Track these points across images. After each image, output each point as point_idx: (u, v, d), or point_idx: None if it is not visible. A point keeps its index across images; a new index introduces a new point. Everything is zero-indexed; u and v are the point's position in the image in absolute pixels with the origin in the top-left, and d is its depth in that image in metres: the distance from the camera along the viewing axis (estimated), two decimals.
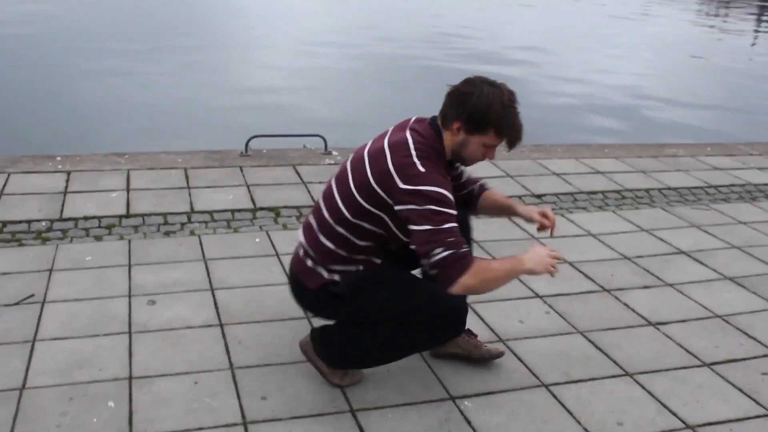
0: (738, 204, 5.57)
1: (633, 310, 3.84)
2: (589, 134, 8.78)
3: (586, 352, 3.42)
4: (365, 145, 2.85)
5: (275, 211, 4.84)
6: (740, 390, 3.23)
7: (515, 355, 3.38)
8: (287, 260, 4.19)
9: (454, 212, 2.57)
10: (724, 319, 3.82)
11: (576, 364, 3.32)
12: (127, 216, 4.64)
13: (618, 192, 5.61)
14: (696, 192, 5.75)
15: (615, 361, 3.37)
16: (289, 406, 2.95)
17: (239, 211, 4.82)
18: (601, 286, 4.07)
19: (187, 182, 5.21)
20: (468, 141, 2.67)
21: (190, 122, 8.54)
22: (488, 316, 3.66)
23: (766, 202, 5.66)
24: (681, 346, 3.53)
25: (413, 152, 2.59)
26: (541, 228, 2.98)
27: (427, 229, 2.53)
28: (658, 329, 3.67)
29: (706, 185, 5.91)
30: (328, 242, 2.82)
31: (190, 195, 5.01)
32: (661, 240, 4.77)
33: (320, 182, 5.36)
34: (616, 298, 3.96)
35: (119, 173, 5.29)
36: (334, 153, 5.90)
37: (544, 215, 2.97)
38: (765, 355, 3.52)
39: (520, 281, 3.98)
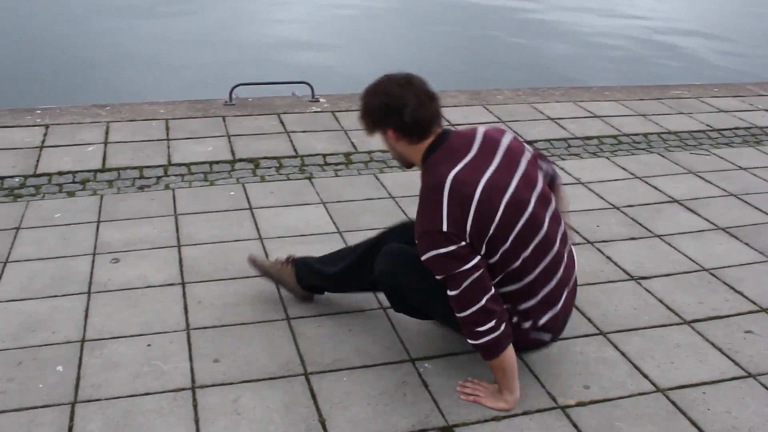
0: (741, 148, 5.32)
1: (615, 264, 3.67)
2: (602, 75, 8.43)
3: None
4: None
5: (254, 162, 4.69)
6: (719, 350, 3.06)
7: None
8: (260, 214, 4.07)
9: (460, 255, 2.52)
10: (711, 273, 3.63)
11: None
12: (103, 170, 4.52)
13: (615, 137, 5.39)
14: (697, 136, 5.51)
15: (589, 319, 3.21)
16: (241, 369, 2.83)
17: (217, 163, 4.68)
18: (585, 239, 3.89)
19: (167, 134, 5.07)
20: (395, 143, 2.59)
21: (176, 72, 8.33)
22: None
23: None
24: (662, 303, 3.36)
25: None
26: None
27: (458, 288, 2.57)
28: (640, 284, 3.49)
29: (709, 128, 5.66)
30: None
31: (168, 147, 4.87)
32: (654, 188, 4.56)
33: (304, 131, 5.19)
34: (599, 250, 3.78)
35: (99, 126, 5.15)
36: (322, 100, 5.71)
37: None
38: (751, 312, 3.33)
39: None
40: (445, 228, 2.37)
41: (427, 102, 2.44)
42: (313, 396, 2.71)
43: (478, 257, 2.43)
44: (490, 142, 2.55)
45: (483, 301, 2.43)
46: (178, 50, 9.18)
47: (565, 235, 2.69)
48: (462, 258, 2.40)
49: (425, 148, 2.51)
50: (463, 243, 2.40)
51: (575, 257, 2.81)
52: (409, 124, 2.43)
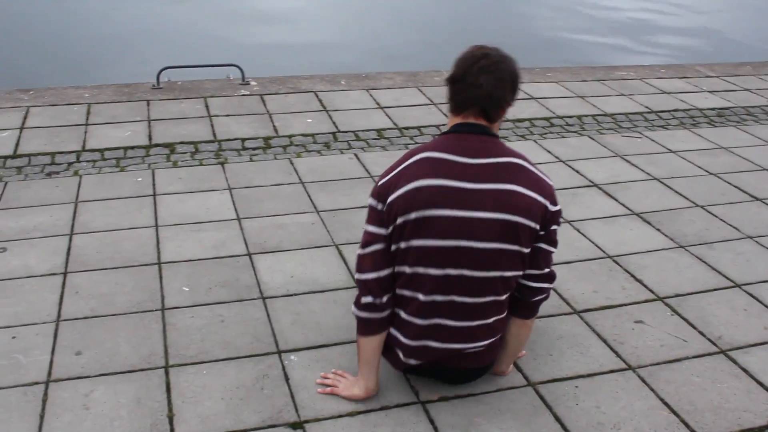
0: (676, 131, 5.19)
1: None
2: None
3: None
4: None
5: (170, 147, 4.57)
6: (604, 341, 2.94)
7: None
8: (162, 201, 3.95)
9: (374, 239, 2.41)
10: (614, 260, 3.51)
11: None
12: (14, 156, 4.39)
13: (547, 119, 5.25)
14: (634, 118, 5.37)
15: None
16: (101, 362, 2.72)
17: (132, 148, 4.55)
18: None
19: (87, 119, 4.94)
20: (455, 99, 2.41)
21: (104, 55, 8.09)
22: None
23: (708, 129, 5.27)
24: (556, 292, 3.24)
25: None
26: None
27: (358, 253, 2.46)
28: None
29: (647, 110, 5.52)
30: None
31: (85, 132, 4.74)
32: (576, 172, 4.42)
33: (228, 115, 5.06)
34: None
35: (18, 111, 5.02)
36: (252, 83, 5.58)
37: None
38: (646, 301, 3.21)
39: None
40: (380, 182, 2.37)
41: (480, 84, 2.28)
42: (168, 390, 2.60)
43: (384, 232, 2.34)
44: (487, 168, 2.33)
45: (369, 276, 2.38)
46: (113, 30, 8.93)
47: (492, 303, 2.44)
48: (372, 219, 2.38)
49: (449, 125, 2.40)
50: (380, 207, 2.34)
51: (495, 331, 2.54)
52: (450, 92, 2.36)
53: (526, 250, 2.34)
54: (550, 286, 2.49)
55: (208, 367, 2.72)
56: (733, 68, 6.78)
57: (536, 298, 2.45)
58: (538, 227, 2.31)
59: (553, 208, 2.35)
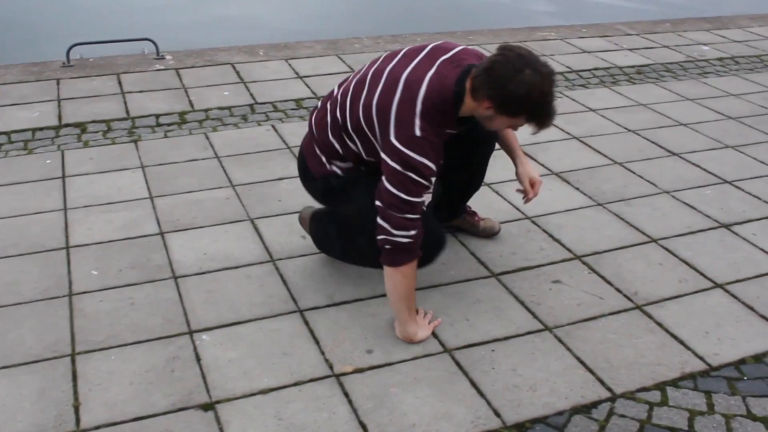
0: (596, 89, 5.19)
1: None
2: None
3: (360, 272, 3.07)
4: (390, 58, 2.62)
5: (81, 127, 4.41)
6: (522, 302, 2.92)
7: (281, 276, 3.04)
8: (71, 183, 3.81)
9: (430, 185, 2.47)
10: (533, 221, 3.50)
11: (344, 286, 2.98)
12: None
13: None
14: None
15: None
16: (4, 354, 2.62)
17: (41, 129, 4.38)
18: None
19: None
20: (494, 117, 2.41)
21: (11, 34, 7.76)
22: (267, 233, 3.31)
23: (627, 86, 5.29)
24: (474, 255, 3.21)
25: (418, 109, 2.40)
26: (523, 194, 2.97)
27: (399, 196, 2.42)
28: (455, 236, 3.33)
29: (567, 70, 5.52)
30: (334, 140, 2.71)
31: None
32: None
33: (141, 91, 4.90)
34: None
35: None
36: (168, 57, 5.42)
37: (532, 184, 2.94)
38: (563, 260, 3.21)
39: None
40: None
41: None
42: (75, 378, 2.51)
43: None
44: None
45: (418, 221, 2.55)
46: (15, 7, 8.56)
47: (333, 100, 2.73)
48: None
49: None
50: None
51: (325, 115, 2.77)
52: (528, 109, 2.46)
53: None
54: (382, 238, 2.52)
55: (117, 352, 2.63)
56: (653, 26, 6.82)
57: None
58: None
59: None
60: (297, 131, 4.34)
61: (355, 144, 2.64)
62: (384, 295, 2.79)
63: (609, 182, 3.88)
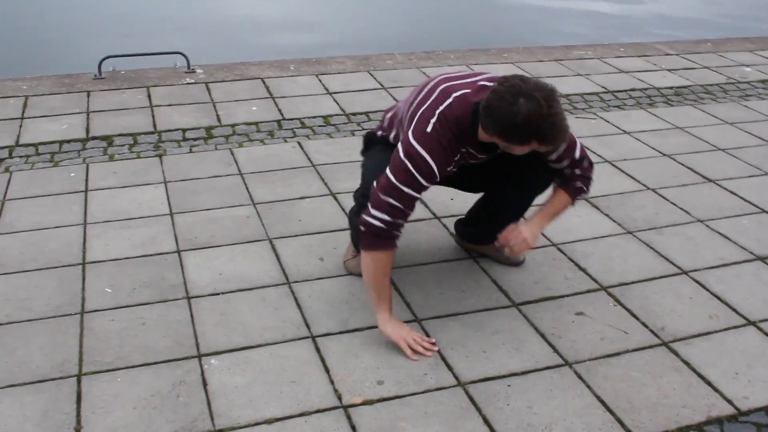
0: (632, 111, 5.06)
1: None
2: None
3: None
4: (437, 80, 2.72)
5: (108, 140, 4.40)
6: (542, 335, 2.81)
7: (296, 300, 2.97)
8: (93, 197, 3.78)
9: (426, 184, 2.54)
10: (559, 248, 3.40)
11: (359, 311, 2.90)
12: None
13: None
14: (589, 99, 5.24)
15: (408, 305, 2.95)
16: (11, 372, 2.58)
17: (69, 141, 4.38)
18: (433, 213, 3.62)
19: (23, 112, 4.76)
20: (511, 147, 2.46)
21: (44, 45, 7.74)
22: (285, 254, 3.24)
23: (664, 108, 5.15)
24: (495, 284, 3.12)
25: (438, 111, 2.53)
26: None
27: (390, 179, 2.52)
28: (477, 262, 3.24)
29: (603, 90, 5.40)
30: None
31: (20, 126, 4.56)
32: None
33: (170, 105, 4.88)
34: (444, 226, 3.51)
35: None
36: (198, 71, 5.40)
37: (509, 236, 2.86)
38: (588, 291, 3.09)
39: None
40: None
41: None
42: (79, 400, 2.46)
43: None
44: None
45: (405, 210, 2.65)
46: (54, 19, 8.57)
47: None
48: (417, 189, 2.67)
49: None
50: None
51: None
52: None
53: None
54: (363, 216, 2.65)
55: (123, 374, 2.58)
56: (693, 45, 6.66)
57: None
58: None
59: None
60: (323, 149, 4.28)
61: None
62: (409, 320, 2.75)
63: (640, 209, 3.75)
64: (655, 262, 3.31)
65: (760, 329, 2.92)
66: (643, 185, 4.02)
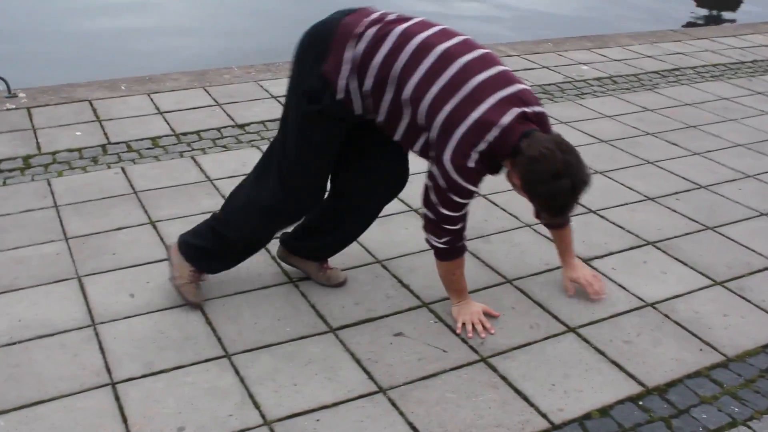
0: None
1: (279, 265, 3.26)
2: None
3: (187, 333, 2.83)
4: (444, 36, 2.58)
5: None
6: (358, 361, 2.72)
7: (99, 343, 2.77)
8: None
9: (470, 199, 2.61)
10: (383, 265, 3.34)
11: (166, 350, 2.73)
12: None
13: None
14: None
15: (219, 339, 2.79)
16: None
17: None
18: None
19: None
20: (518, 187, 2.54)
21: None
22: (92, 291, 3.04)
23: None
24: (314, 308, 3.01)
25: (481, 147, 2.46)
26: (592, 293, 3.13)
27: (440, 212, 2.62)
28: (297, 287, 3.11)
29: None
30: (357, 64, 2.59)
31: None
32: None
33: None
34: (267, 250, 3.36)
35: None
36: (21, 95, 5.09)
37: (590, 283, 3.11)
38: (410, 309, 3.04)
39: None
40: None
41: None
42: None
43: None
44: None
45: (462, 227, 2.85)
46: None
47: None
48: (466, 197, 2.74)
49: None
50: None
51: None
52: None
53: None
54: (424, 235, 2.80)
55: None
56: (534, 46, 6.74)
57: None
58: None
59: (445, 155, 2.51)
60: (147, 173, 4.08)
61: (380, 97, 2.57)
62: (218, 357, 2.66)
63: (470, 216, 3.69)
64: (481, 272, 3.27)
65: (579, 335, 2.91)
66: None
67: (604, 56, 6.58)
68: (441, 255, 2.75)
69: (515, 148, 2.45)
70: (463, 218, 2.66)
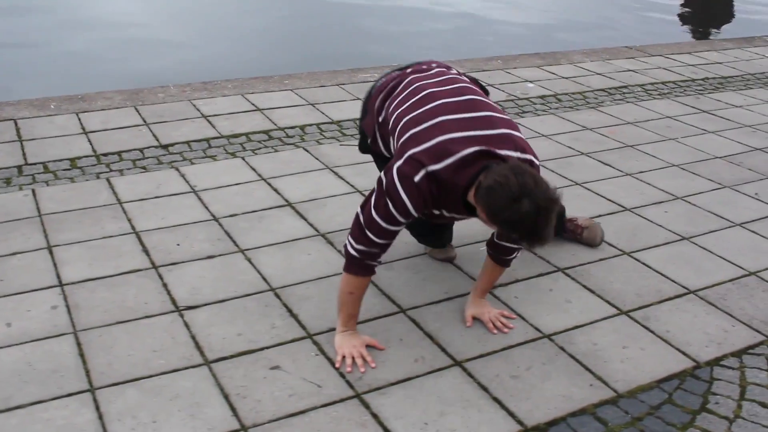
0: None
1: (169, 293, 3.17)
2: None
3: (55, 364, 2.73)
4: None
5: None
6: (226, 396, 2.63)
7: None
8: None
9: (403, 220, 2.61)
10: (276, 293, 3.24)
11: (29, 384, 2.63)
12: None
13: (266, 132, 4.93)
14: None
15: (87, 371, 2.69)
16: None
17: None
18: (152, 263, 3.37)
19: None
20: (489, 224, 2.49)
21: None
22: None
23: None
24: (194, 339, 2.89)
25: (432, 165, 2.53)
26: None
27: (370, 213, 2.62)
28: (182, 316, 3.01)
29: None
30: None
31: None
32: (275, 190, 4.11)
33: None
34: (160, 277, 3.27)
35: None
36: None
37: (491, 322, 3.07)
38: (294, 340, 2.96)
39: None
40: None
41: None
42: None
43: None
44: None
45: (384, 243, 2.77)
46: None
47: None
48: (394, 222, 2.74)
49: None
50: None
51: None
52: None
53: None
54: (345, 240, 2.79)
55: None
56: (484, 63, 6.66)
57: None
58: None
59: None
60: (57, 195, 3.98)
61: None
62: (70, 394, 2.56)
63: None
64: (375, 300, 3.17)
65: (464, 369, 2.81)
66: None
67: (553, 74, 6.50)
68: (349, 263, 2.71)
69: (478, 182, 2.45)
70: (387, 236, 2.65)
